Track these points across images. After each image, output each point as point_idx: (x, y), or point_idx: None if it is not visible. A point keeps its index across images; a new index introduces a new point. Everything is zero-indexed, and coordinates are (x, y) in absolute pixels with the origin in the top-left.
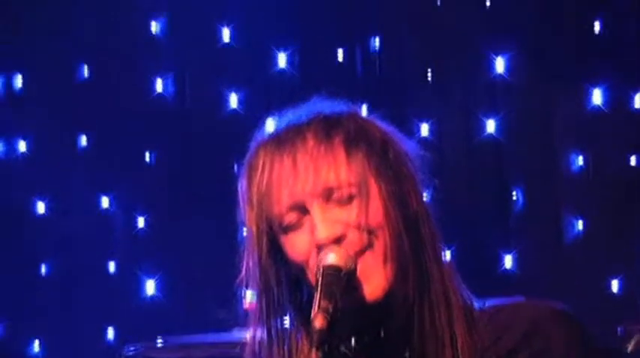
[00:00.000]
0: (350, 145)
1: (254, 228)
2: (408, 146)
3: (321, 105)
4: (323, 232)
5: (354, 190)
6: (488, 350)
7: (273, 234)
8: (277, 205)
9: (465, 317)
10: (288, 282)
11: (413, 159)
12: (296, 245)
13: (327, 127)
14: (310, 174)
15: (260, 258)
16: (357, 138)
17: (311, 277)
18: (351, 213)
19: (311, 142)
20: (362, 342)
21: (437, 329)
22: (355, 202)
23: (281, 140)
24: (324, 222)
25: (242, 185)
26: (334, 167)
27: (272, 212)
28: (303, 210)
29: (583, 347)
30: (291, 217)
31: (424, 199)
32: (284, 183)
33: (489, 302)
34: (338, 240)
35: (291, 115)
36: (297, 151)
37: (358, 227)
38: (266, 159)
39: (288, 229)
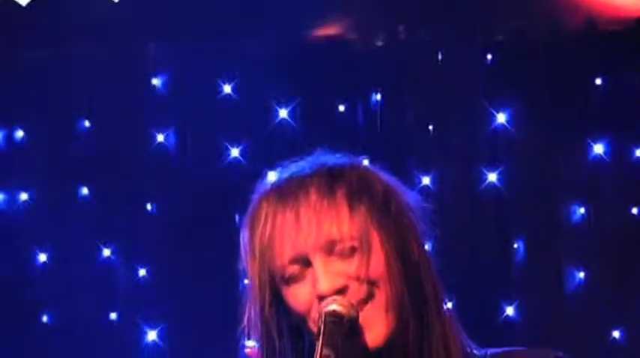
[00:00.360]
0: (352, 199)
1: (256, 280)
2: (409, 197)
3: (324, 158)
4: (325, 284)
5: (355, 243)
6: None
7: (275, 285)
8: (280, 258)
9: None
10: (289, 332)
11: (414, 210)
12: (298, 296)
13: (330, 181)
14: (313, 228)
15: (262, 309)
16: (359, 191)
17: (313, 326)
18: (352, 266)
19: (314, 196)
20: None
21: None
22: (357, 255)
23: (284, 193)
24: (326, 275)
25: (244, 236)
26: (337, 221)
27: (274, 264)
28: (305, 262)
29: None
30: (293, 269)
31: (426, 249)
32: (287, 236)
33: (491, 350)
34: (340, 292)
35: (294, 167)
36: (300, 205)
37: (359, 279)
38: (269, 211)
39: (290, 281)
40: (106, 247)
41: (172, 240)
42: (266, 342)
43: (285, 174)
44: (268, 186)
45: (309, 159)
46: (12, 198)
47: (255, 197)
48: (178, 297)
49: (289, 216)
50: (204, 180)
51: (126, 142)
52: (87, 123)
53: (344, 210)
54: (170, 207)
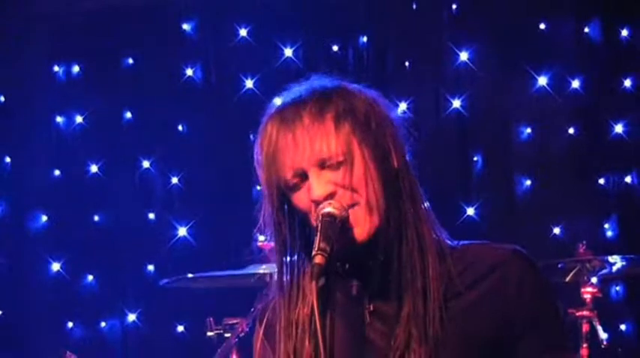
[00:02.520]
0: (338, 120)
1: (266, 187)
2: (391, 112)
3: (317, 83)
4: (317, 192)
5: (341, 158)
6: (456, 278)
7: (282, 192)
8: (282, 171)
9: (438, 252)
10: (295, 229)
11: (395, 123)
12: (300, 200)
13: (320, 105)
14: (307, 148)
15: (273, 211)
16: (344, 112)
17: (314, 223)
18: (339, 176)
19: (307, 120)
20: (354, 273)
21: (411, 261)
22: (343, 167)
23: (283, 117)
24: (318, 184)
25: (256, 152)
26: (326, 140)
27: (279, 176)
28: (303, 175)
29: (534, 277)
30: (295, 180)
31: (405, 157)
32: (286, 153)
33: (461, 242)
34: (329, 197)
35: (292, 94)
36: (295, 128)
37: (345, 186)
38: (272, 132)
39: (294, 189)
40: (146, 159)
41: (199, 154)
42: (277, 237)
43: (286, 100)
44: (272, 111)
45: (305, 84)
46: (69, 121)
47: (264, 119)
48: (204, 201)
49: (288, 136)
50: (224, 106)
51: (161, 75)
52: (130, 61)
53: (331, 131)
54: (197, 127)
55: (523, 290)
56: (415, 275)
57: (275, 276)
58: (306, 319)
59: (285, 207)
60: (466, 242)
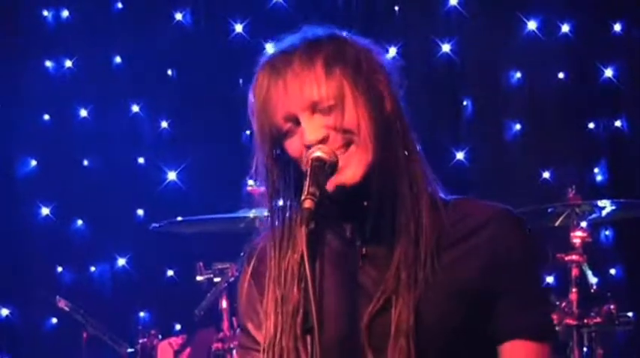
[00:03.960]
0: (328, 65)
1: (259, 135)
2: (382, 58)
3: (308, 32)
4: (309, 136)
5: (332, 102)
6: (450, 228)
7: (275, 139)
8: (275, 117)
9: (430, 198)
10: (286, 177)
11: (387, 68)
12: (293, 145)
13: (310, 52)
14: (297, 92)
15: (265, 159)
16: (334, 58)
17: (304, 169)
18: (330, 120)
19: (297, 67)
20: (347, 218)
21: (405, 205)
22: (334, 111)
23: (275, 65)
24: (310, 128)
25: (250, 99)
26: (316, 85)
27: (271, 122)
28: (295, 120)
29: (522, 238)
30: (287, 126)
31: (398, 101)
32: (278, 100)
33: (454, 197)
34: (322, 141)
35: (284, 43)
36: (286, 74)
37: (336, 129)
38: (264, 80)
39: (287, 135)
40: (135, 104)
41: (188, 98)
42: (269, 185)
43: (277, 49)
44: (265, 59)
45: (297, 34)
46: (59, 66)
47: (257, 67)
48: (193, 145)
49: (279, 83)
50: (213, 50)
51: (150, 20)
52: (120, 5)
53: (321, 75)
54: (187, 72)
55: (511, 250)
56: (409, 219)
57: (264, 221)
58: (296, 265)
59: (278, 153)
60: (458, 197)
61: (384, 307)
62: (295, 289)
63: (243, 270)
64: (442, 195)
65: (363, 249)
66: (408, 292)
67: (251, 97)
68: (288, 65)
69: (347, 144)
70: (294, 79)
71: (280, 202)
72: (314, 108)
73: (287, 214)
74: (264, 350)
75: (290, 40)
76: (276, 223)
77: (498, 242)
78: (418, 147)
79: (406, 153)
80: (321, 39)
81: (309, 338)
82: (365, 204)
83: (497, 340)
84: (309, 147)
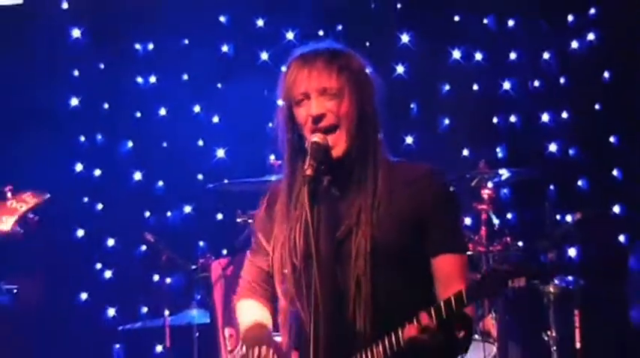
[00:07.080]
0: (341, 69)
1: (284, 108)
2: (373, 74)
3: (333, 44)
4: (314, 109)
5: (335, 92)
6: (398, 183)
7: (290, 107)
8: (295, 91)
9: (386, 165)
10: (295, 142)
11: (374, 82)
12: (299, 114)
13: (331, 57)
14: (315, 79)
15: (284, 120)
16: (346, 66)
17: (308, 138)
18: (330, 103)
19: (320, 64)
20: (333, 183)
21: (367, 171)
22: (335, 99)
23: (304, 59)
24: (316, 104)
25: (281, 80)
26: (329, 78)
27: (292, 93)
28: (307, 96)
29: (445, 183)
30: (300, 97)
31: (377, 108)
32: (301, 80)
33: (400, 159)
34: (320, 116)
35: (314, 46)
36: (311, 67)
37: (332, 112)
38: (294, 68)
39: (299, 103)
40: (197, 105)
41: (219, 77)
42: (285, 147)
43: (309, 48)
44: (299, 51)
45: (325, 41)
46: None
47: (290, 58)
48: (232, 133)
49: (304, 70)
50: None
51: None
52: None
53: (334, 73)
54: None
55: (438, 193)
56: (369, 178)
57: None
58: (300, 212)
59: (292, 118)
60: (403, 159)
61: (347, 236)
62: (298, 226)
63: (261, 202)
64: (392, 158)
65: (338, 193)
66: (365, 226)
67: (282, 78)
68: (314, 60)
69: (335, 127)
70: (314, 71)
71: (293, 162)
72: (322, 92)
73: (297, 173)
74: (273, 274)
75: (320, 44)
76: (289, 179)
77: (430, 188)
78: (381, 136)
79: (374, 139)
80: (340, 50)
81: (301, 267)
82: (344, 168)
83: (431, 254)
84: (312, 117)
